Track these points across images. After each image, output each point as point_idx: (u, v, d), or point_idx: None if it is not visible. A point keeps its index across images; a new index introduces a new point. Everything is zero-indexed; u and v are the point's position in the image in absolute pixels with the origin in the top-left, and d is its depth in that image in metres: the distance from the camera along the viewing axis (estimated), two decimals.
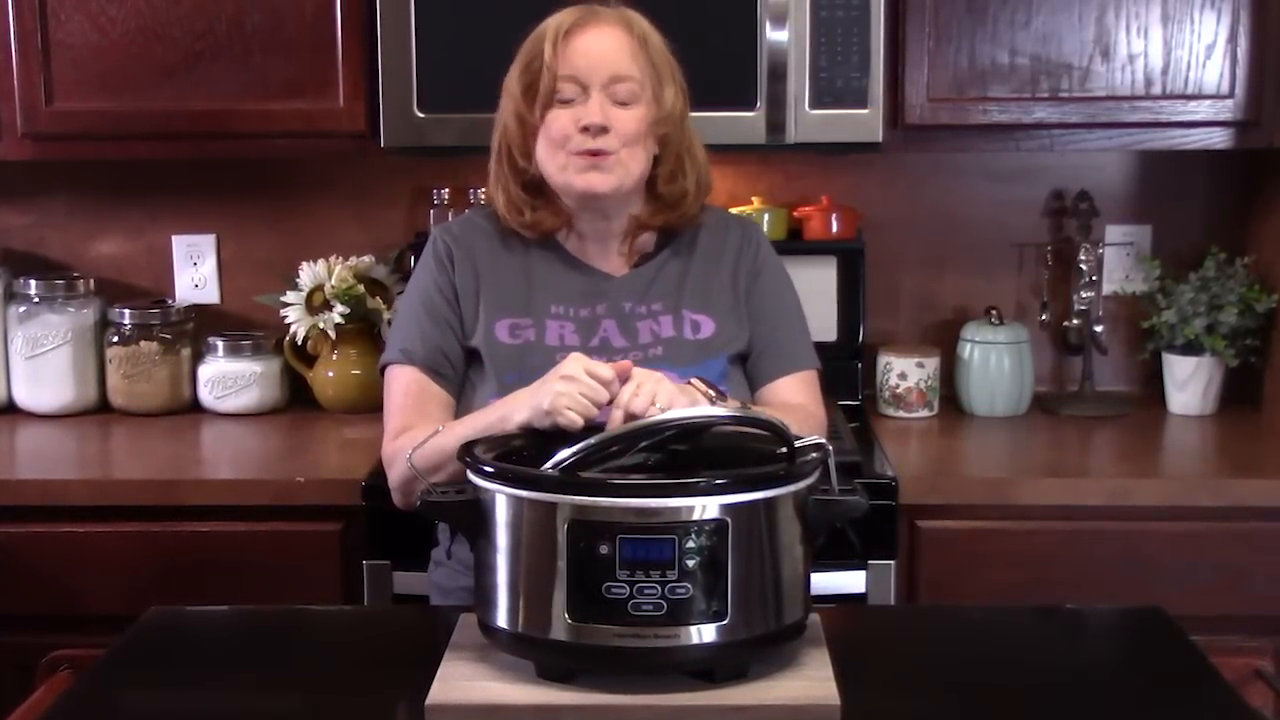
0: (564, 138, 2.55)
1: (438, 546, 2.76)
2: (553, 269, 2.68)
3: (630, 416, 2.22)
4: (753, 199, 3.68)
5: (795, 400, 2.67)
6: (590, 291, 2.65)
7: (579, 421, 2.22)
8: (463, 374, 2.66)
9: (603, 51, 2.56)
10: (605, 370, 2.26)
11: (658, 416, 2.05)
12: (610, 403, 2.26)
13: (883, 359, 3.59)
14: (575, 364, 2.27)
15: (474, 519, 2.02)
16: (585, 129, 2.53)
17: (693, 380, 2.36)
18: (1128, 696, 2.04)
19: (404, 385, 2.63)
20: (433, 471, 2.38)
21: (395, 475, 2.58)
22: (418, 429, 2.54)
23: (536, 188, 2.65)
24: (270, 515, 3.04)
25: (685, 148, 2.66)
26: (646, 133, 2.58)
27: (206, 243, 3.86)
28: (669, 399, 2.25)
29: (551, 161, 2.58)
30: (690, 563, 1.90)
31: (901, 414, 3.57)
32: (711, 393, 2.35)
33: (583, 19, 2.58)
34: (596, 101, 2.53)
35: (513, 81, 2.61)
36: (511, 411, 2.34)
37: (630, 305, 2.65)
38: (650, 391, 2.25)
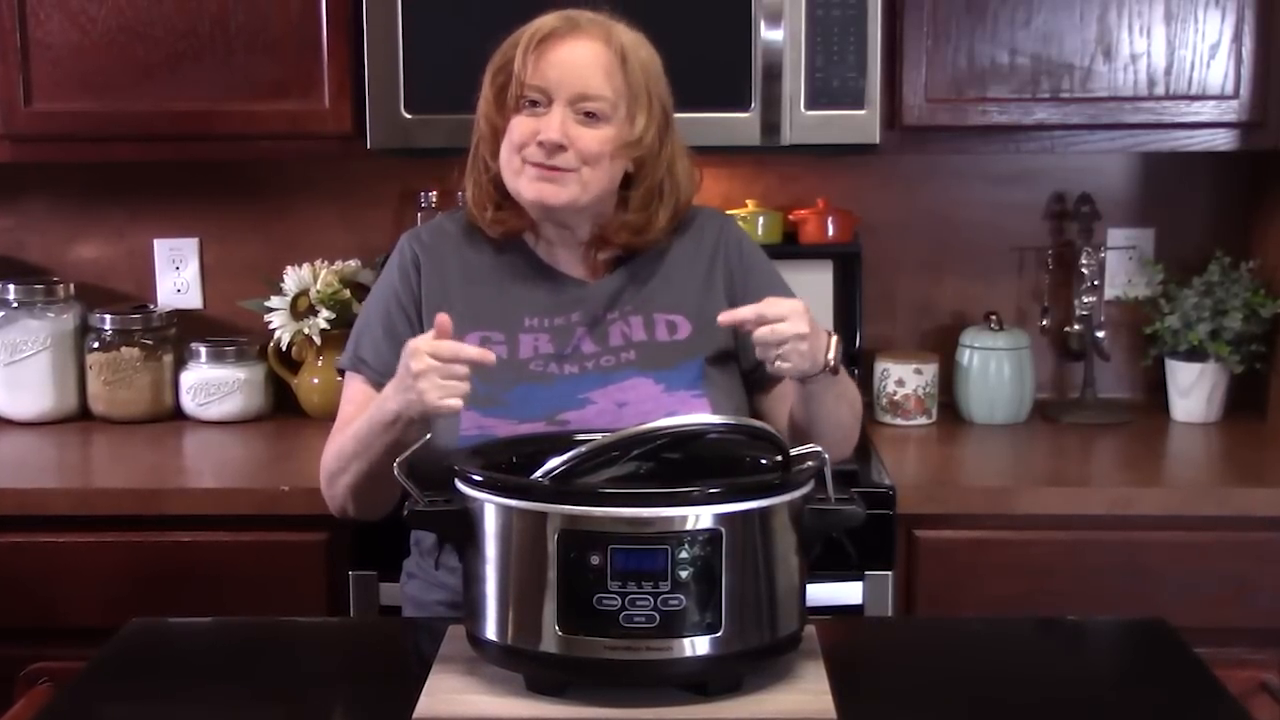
0: (522, 144, 2.49)
1: (409, 557, 2.72)
2: (525, 278, 2.63)
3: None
4: (747, 202, 3.66)
5: None
6: (564, 300, 2.61)
7: (459, 405, 2.24)
8: None
9: (575, 65, 2.48)
10: (447, 347, 2.24)
11: (649, 425, 2.00)
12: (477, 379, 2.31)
13: (880, 365, 3.57)
14: (419, 357, 2.24)
15: (462, 529, 2.00)
16: (541, 145, 2.47)
17: (834, 336, 2.43)
18: (1130, 710, 2.02)
19: (353, 395, 2.61)
20: (340, 474, 2.47)
21: (321, 479, 2.58)
22: (336, 432, 2.57)
23: (504, 189, 2.59)
24: (254, 525, 3.01)
25: (667, 172, 2.59)
26: (612, 154, 2.50)
27: (189, 246, 3.84)
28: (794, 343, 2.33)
29: (508, 166, 2.52)
30: (683, 573, 1.88)
31: (899, 421, 3.54)
32: (833, 359, 2.42)
33: (561, 28, 2.51)
34: (557, 117, 2.47)
35: (486, 82, 2.57)
36: (385, 415, 2.35)
37: (603, 311, 2.60)
38: (785, 333, 2.32)
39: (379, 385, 2.55)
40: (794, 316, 2.31)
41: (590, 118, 2.48)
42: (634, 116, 2.50)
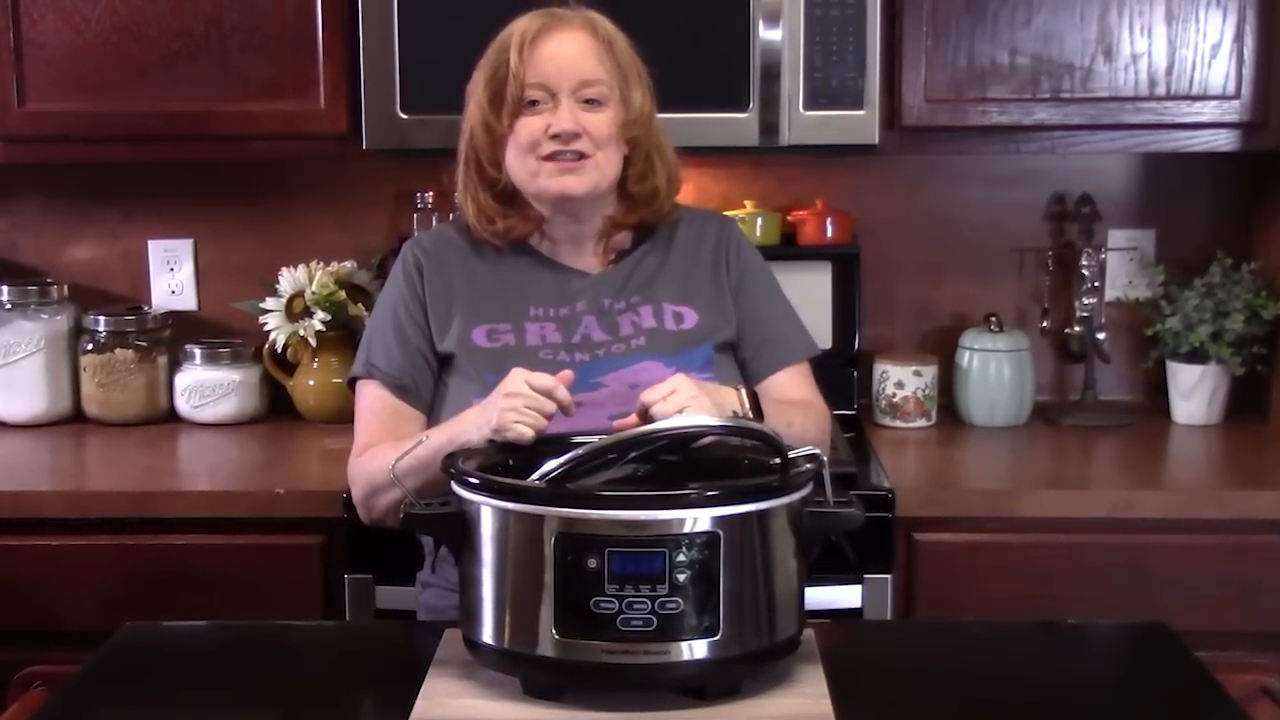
0: (534, 143, 2.54)
1: (423, 569, 2.72)
2: (529, 272, 2.67)
3: (647, 419, 2.24)
4: (745, 203, 3.65)
5: (795, 394, 2.67)
6: (568, 290, 2.65)
7: (529, 434, 2.23)
8: (432, 388, 2.65)
9: (570, 56, 2.55)
10: (545, 380, 2.27)
11: (648, 427, 2.02)
12: (558, 414, 2.29)
13: (879, 367, 3.55)
14: (516, 379, 2.28)
15: (459, 532, 2.00)
16: (556, 136, 2.52)
17: (740, 389, 2.43)
18: (1131, 714, 2.01)
19: (370, 403, 2.63)
20: (391, 488, 2.41)
21: (357, 491, 2.59)
22: (381, 446, 2.54)
23: (508, 196, 2.64)
24: (249, 528, 3.00)
25: (654, 146, 2.66)
26: (617, 134, 2.57)
27: (184, 248, 3.82)
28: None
29: (523, 168, 2.57)
30: (681, 577, 1.88)
31: (898, 424, 3.53)
32: (748, 408, 2.40)
33: (547, 24, 2.57)
34: (566, 108, 2.53)
35: (478, 89, 2.60)
36: (460, 434, 2.35)
37: (609, 301, 2.64)
38: (679, 403, 2.26)
39: (395, 388, 2.60)
40: (678, 388, 2.30)
41: (592, 104, 2.54)
42: (629, 95, 2.58)
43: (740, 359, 2.68)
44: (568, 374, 2.32)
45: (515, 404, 2.23)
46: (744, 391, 2.44)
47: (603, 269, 2.68)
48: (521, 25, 2.56)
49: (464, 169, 2.66)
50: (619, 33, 2.60)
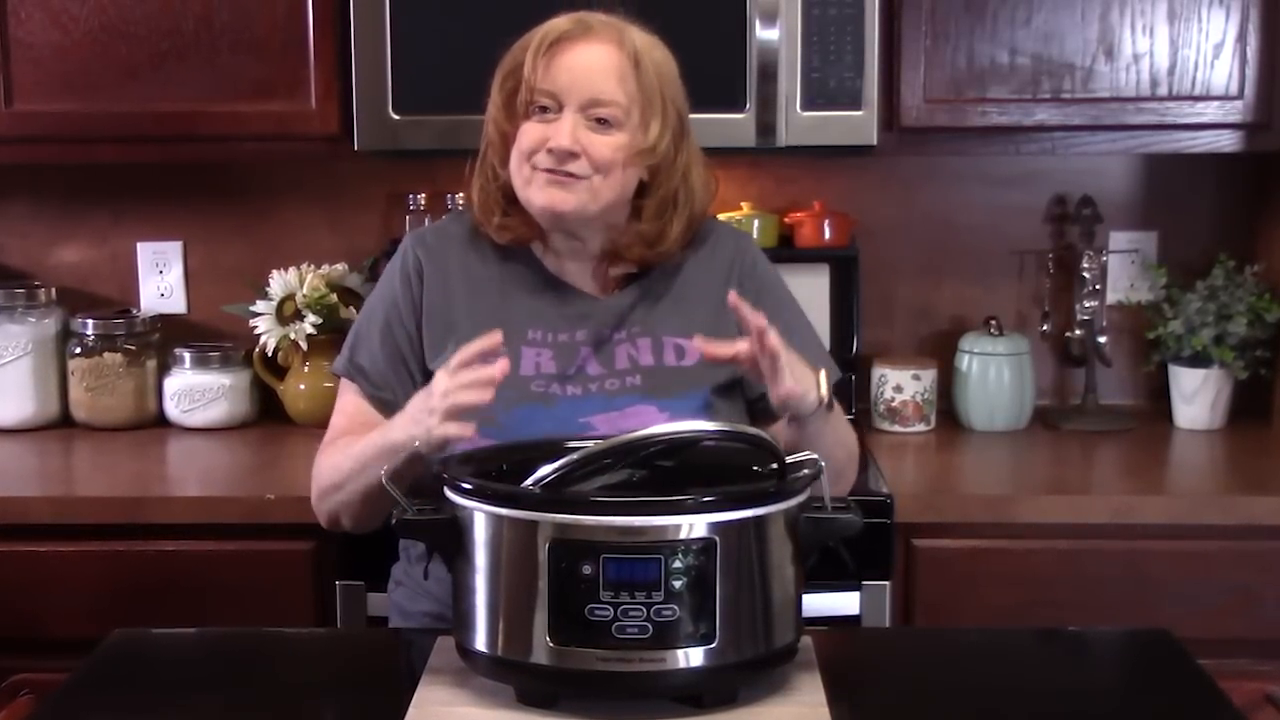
0: (531, 151, 2.44)
1: (397, 563, 2.68)
2: (530, 287, 2.58)
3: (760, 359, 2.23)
4: (742, 204, 3.63)
5: None
6: (570, 315, 2.55)
7: (486, 396, 2.19)
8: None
9: (586, 70, 2.43)
10: (463, 358, 2.21)
11: (643, 431, 1.98)
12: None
13: (878, 371, 3.54)
14: (438, 381, 2.23)
15: (451, 538, 1.98)
16: (551, 151, 2.42)
17: (823, 372, 2.36)
18: None
19: (348, 409, 2.58)
20: (335, 491, 2.44)
21: (313, 491, 2.55)
22: (327, 449, 2.54)
23: (512, 196, 2.54)
24: (239, 534, 2.98)
25: (681, 180, 2.53)
26: (625, 161, 2.45)
27: (173, 250, 3.81)
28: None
29: (518, 173, 2.47)
30: (677, 583, 1.86)
31: (897, 428, 3.52)
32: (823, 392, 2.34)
33: (572, 31, 2.45)
34: (568, 124, 2.41)
35: (495, 87, 2.52)
36: (390, 437, 2.33)
37: (610, 331, 2.55)
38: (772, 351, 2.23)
39: (373, 398, 2.54)
40: (779, 350, 2.24)
41: (602, 124, 2.42)
42: (647, 123, 2.44)
43: (752, 394, 2.56)
44: (497, 338, 2.23)
45: (454, 396, 2.19)
46: (825, 375, 2.35)
47: (607, 293, 2.58)
48: (546, 27, 2.45)
49: (479, 160, 2.57)
50: (656, 49, 2.48)
